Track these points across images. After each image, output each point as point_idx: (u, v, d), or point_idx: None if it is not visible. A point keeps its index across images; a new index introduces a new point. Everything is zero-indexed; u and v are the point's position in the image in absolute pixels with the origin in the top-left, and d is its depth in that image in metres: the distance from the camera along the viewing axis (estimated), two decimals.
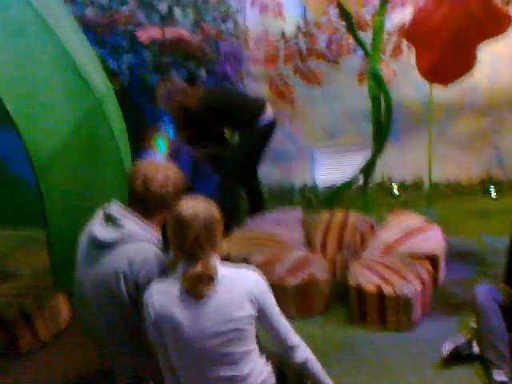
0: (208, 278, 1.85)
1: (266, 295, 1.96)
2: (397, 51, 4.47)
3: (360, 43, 3.75)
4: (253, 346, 1.95)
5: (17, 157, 4.02)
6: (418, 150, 5.46)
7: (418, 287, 3.10)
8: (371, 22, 4.24)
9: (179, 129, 4.50)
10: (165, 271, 2.12)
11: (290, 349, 1.98)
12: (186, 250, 1.90)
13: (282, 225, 4.11)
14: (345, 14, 3.46)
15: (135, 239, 2.11)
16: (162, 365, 1.98)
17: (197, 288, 1.85)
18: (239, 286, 1.90)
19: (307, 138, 5.44)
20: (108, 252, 2.10)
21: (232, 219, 4.35)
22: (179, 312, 1.86)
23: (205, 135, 4.39)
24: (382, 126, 3.85)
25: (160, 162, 2.22)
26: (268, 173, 5.21)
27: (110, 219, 2.14)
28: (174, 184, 2.21)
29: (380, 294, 3.06)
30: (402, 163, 5.54)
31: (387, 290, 3.06)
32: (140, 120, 4.80)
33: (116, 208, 2.17)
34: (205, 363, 1.88)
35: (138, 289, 2.08)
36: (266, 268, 3.37)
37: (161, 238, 2.22)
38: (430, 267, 3.32)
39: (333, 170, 5.61)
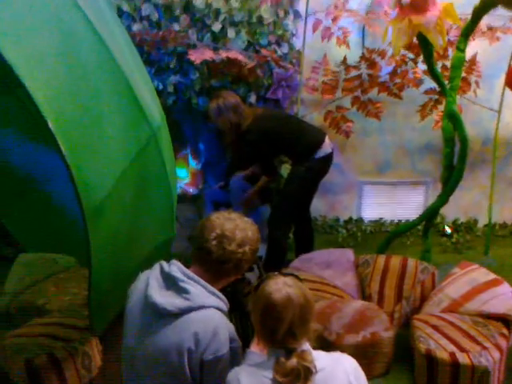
0: (306, 373, 1.55)
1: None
2: (464, 87, 4.10)
3: (438, 79, 3.34)
4: None
5: (51, 176, 3.79)
6: (472, 189, 5.16)
7: (497, 357, 2.75)
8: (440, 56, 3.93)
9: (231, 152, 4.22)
10: (235, 348, 1.81)
11: None
12: (278, 339, 1.60)
13: (333, 268, 3.77)
14: (424, 46, 3.10)
15: (202, 307, 1.78)
16: None
17: None
18: (338, 376, 1.62)
19: (356, 171, 5.10)
20: (169, 322, 1.78)
21: (278, 256, 4.03)
22: None
23: (255, 161, 4.07)
24: (455, 170, 3.50)
25: (238, 217, 1.89)
26: (312, 206, 4.89)
27: (170, 281, 1.83)
28: (251, 245, 1.89)
29: (454, 363, 2.71)
30: (455, 202, 5.19)
31: (462, 358, 2.71)
32: (180, 140, 4.58)
33: (177, 268, 1.85)
34: None
35: (203, 366, 1.77)
36: (320, 319, 3.06)
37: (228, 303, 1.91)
38: (506, 331, 2.97)
39: (381, 206, 5.28)
